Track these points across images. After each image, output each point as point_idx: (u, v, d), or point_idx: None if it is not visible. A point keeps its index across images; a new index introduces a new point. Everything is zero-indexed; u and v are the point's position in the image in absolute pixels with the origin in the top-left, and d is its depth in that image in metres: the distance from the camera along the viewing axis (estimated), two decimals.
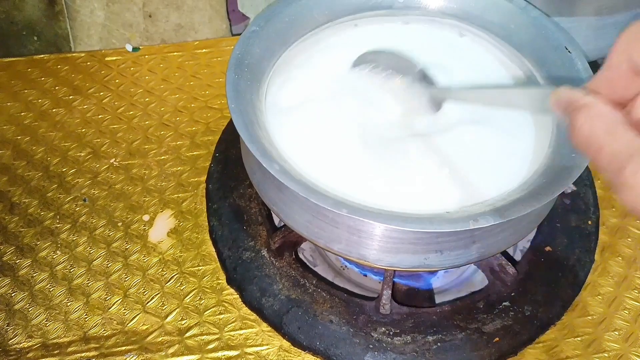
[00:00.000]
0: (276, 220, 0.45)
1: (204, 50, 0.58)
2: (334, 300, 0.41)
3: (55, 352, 0.41)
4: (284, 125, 0.38)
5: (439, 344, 0.39)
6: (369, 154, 0.37)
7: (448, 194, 0.35)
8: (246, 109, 0.37)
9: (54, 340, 0.41)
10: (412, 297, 0.45)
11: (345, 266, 0.46)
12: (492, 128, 0.39)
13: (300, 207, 0.36)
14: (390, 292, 0.40)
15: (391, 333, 0.40)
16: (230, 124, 0.52)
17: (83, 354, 0.40)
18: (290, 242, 0.43)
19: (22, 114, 0.53)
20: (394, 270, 0.39)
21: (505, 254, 0.42)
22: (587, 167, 0.47)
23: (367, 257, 0.35)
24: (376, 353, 0.39)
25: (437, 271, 0.44)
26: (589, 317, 0.41)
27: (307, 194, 0.32)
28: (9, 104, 0.54)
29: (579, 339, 0.40)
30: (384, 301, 0.39)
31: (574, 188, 0.46)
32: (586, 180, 0.47)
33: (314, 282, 0.42)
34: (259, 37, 0.40)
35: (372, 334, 0.40)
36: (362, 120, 0.39)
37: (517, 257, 0.44)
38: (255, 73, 0.39)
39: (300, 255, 0.45)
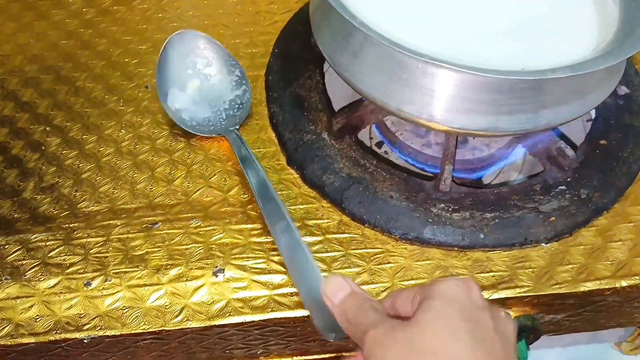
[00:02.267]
0: (336, 107, 0.46)
1: None
2: (393, 179, 0.42)
3: (123, 215, 0.42)
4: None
5: (496, 220, 0.41)
6: (446, 22, 0.38)
7: (521, 59, 0.36)
8: None
9: (121, 206, 0.43)
10: None
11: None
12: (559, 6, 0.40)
13: (374, 69, 0.37)
14: (451, 167, 0.41)
15: (450, 209, 0.41)
16: (287, 24, 0.53)
17: (150, 218, 0.42)
18: (351, 125, 0.44)
19: (84, 10, 0.55)
20: (458, 135, 0.40)
21: (563, 138, 0.43)
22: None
23: (436, 117, 0.36)
24: (435, 227, 0.40)
25: (506, 136, 0.45)
26: None
27: (388, 42, 0.33)
28: (70, 0, 0.55)
29: (631, 224, 0.41)
30: (445, 175, 0.41)
31: (628, 91, 0.47)
32: (639, 86, 0.47)
33: (374, 162, 0.43)
34: None
35: (432, 209, 0.41)
36: None
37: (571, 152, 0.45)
38: None
39: None
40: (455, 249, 0.40)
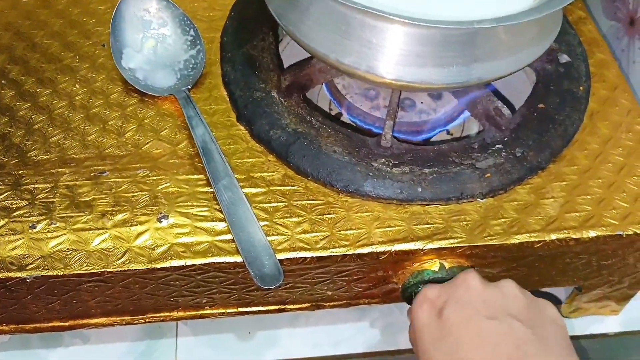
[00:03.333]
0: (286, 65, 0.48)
1: None
2: (338, 135, 0.44)
3: (72, 164, 0.43)
4: None
5: (434, 175, 0.42)
6: None
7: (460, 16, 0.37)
8: None
9: (71, 156, 0.43)
10: None
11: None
12: None
13: (317, 23, 0.38)
14: (392, 123, 0.42)
15: (390, 164, 0.42)
16: None
17: (99, 167, 0.43)
18: (299, 83, 0.45)
19: None
20: (400, 90, 0.41)
21: (501, 99, 0.45)
22: (583, 47, 0.50)
23: (376, 68, 0.37)
24: (375, 180, 0.42)
25: (440, 90, 0.47)
26: (575, 167, 0.44)
27: None
28: None
29: (564, 183, 0.43)
30: (386, 130, 0.42)
31: (569, 59, 0.48)
32: (580, 56, 0.49)
33: (320, 119, 0.45)
34: None
35: (373, 163, 0.42)
36: None
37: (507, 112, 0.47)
38: None
39: None
40: (394, 202, 0.42)
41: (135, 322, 0.45)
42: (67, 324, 0.44)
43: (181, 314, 0.45)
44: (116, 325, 0.44)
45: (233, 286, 0.42)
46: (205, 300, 0.43)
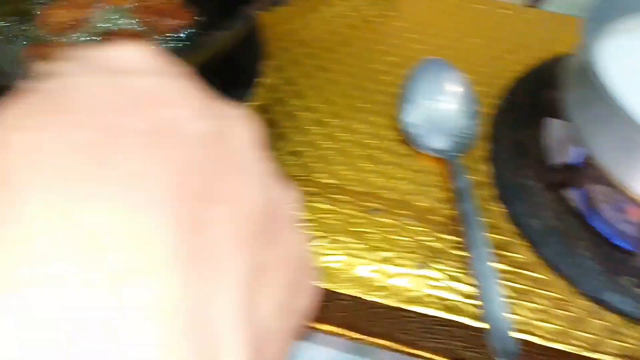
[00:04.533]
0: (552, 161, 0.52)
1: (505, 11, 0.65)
2: (590, 241, 0.47)
3: (350, 195, 0.50)
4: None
5: None
6: None
7: None
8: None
9: (348, 187, 0.50)
10: None
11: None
12: None
13: (612, 142, 0.42)
14: None
15: (636, 284, 0.45)
16: (524, 76, 0.58)
17: (371, 204, 0.49)
18: (564, 182, 0.49)
19: (349, 13, 0.64)
20: None
21: None
22: None
23: None
24: (617, 295, 0.45)
25: None
26: None
27: None
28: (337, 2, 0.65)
29: None
30: None
31: None
32: None
33: (575, 220, 0.48)
34: None
35: (618, 278, 0.45)
36: None
37: None
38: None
39: None
40: (633, 321, 0.44)
41: (357, 339, 0.51)
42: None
43: (397, 346, 0.50)
44: (343, 336, 0.51)
45: (457, 342, 0.47)
46: (424, 343, 0.49)
